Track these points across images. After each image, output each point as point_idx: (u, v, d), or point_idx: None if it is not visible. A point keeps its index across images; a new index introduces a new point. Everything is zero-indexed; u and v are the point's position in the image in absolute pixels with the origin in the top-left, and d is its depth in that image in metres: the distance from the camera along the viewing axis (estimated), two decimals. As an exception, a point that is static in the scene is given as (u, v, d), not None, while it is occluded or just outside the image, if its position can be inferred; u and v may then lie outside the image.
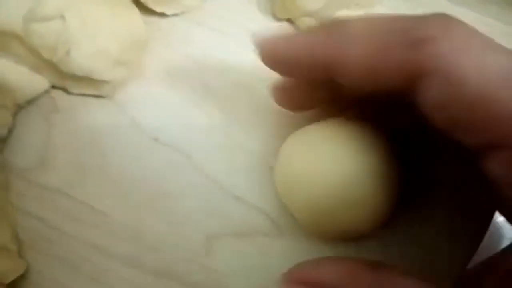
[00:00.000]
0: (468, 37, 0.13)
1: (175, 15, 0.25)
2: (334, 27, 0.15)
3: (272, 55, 0.17)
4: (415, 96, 0.14)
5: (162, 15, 0.25)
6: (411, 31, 0.13)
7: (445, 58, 0.12)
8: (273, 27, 0.25)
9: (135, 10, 0.24)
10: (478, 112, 0.12)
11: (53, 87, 0.24)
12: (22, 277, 0.21)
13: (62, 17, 0.22)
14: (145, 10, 0.24)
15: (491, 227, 0.20)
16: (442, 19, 0.13)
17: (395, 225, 0.20)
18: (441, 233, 0.20)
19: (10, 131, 0.23)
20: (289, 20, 0.25)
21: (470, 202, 0.18)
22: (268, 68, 0.24)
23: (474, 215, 0.20)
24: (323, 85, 0.17)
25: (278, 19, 0.25)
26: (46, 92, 0.24)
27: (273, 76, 0.24)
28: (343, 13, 0.24)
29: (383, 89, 0.14)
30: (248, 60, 0.24)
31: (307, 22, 0.24)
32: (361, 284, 0.16)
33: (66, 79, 0.23)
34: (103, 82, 0.23)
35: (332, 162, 0.17)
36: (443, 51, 0.12)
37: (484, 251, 0.20)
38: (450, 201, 0.20)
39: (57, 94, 0.24)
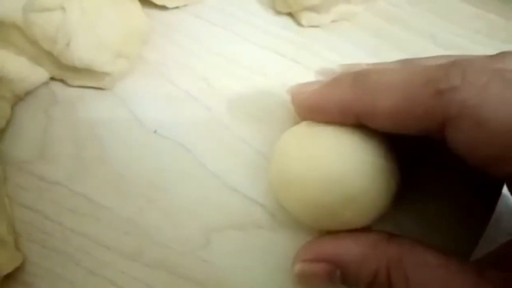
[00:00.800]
0: (487, 81, 0.14)
1: (176, 8, 0.25)
2: (361, 79, 0.16)
3: (307, 108, 0.18)
4: (445, 138, 0.15)
5: (163, 8, 0.25)
6: (434, 82, 0.14)
7: (468, 103, 0.14)
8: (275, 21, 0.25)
9: (136, 3, 0.24)
10: (507, 149, 0.13)
11: (52, 78, 0.24)
12: (19, 269, 0.21)
13: (62, 8, 0.21)
14: (146, 2, 0.24)
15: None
16: (460, 67, 0.14)
17: (392, 217, 0.20)
18: (436, 227, 0.20)
19: (8, 122, 0.23)
20: (289, 14, 0.25)
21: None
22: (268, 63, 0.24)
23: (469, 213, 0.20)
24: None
25: (279, 13, 0.25)
26: (45, 83, 0.24)
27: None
28: (343, 7, 0.24)
29: (411, 132, 0.16)
30: (249, 53, 0.24)
31: (307, 16, 0.24)
32: (381, 256, 0.16)
33: (66, 71, 0.23)
34: (103, 74, 0.23)
35: (330, 155, 0.17)
36: (465, 97, 0.14)
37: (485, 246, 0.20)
38: (444, 196, 0.20)
39: (56, 86, 0.24)
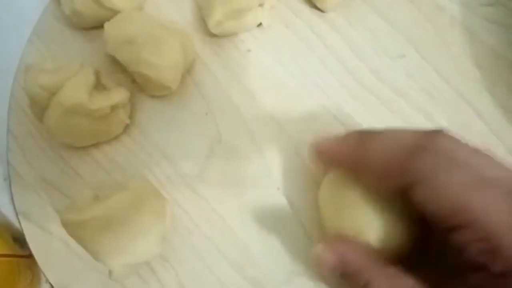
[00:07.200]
0: (450, 152, 0.18)
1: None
2: (360, 142, 0.21)
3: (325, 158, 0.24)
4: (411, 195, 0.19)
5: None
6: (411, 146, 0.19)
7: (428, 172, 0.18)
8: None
9: None
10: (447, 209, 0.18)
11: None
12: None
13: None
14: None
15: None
16: (432, 133, 0.19)
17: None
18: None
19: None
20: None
21: None
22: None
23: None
24: None
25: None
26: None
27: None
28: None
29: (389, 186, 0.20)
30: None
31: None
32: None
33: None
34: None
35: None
36: (427, 165, 0.18)
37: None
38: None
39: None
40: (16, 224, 0.29)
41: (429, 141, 0.19)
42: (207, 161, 0.28)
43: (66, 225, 0.24)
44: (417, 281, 0.19)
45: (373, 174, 0.20)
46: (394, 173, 0.19)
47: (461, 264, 0.18)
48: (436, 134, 0.19)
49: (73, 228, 0.24)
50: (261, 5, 0.30)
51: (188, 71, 0.29)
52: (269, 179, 0.28)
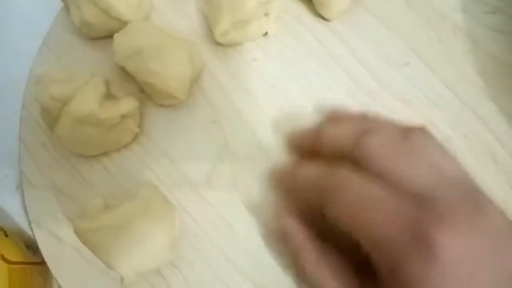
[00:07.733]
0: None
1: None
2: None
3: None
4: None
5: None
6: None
7: None
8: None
9: None
10: None
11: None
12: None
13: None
14: None
15: None
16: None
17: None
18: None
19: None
20: None
21: None
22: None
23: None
24: None
25: None
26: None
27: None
28: None
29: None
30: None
31: None
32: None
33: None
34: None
35: None
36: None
37: None
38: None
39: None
40: (29, 232, 0.29)
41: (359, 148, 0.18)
42: (214, 168, 0.29)
43: (78, 232, 0.25)
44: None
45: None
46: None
47: None
48: (369, 137, 0.18)
49: (86, 236, 0.24)
50: (266, 14, 0.30)
51: (195, 80, 0.30)
52: (276, 186, 0.28)
